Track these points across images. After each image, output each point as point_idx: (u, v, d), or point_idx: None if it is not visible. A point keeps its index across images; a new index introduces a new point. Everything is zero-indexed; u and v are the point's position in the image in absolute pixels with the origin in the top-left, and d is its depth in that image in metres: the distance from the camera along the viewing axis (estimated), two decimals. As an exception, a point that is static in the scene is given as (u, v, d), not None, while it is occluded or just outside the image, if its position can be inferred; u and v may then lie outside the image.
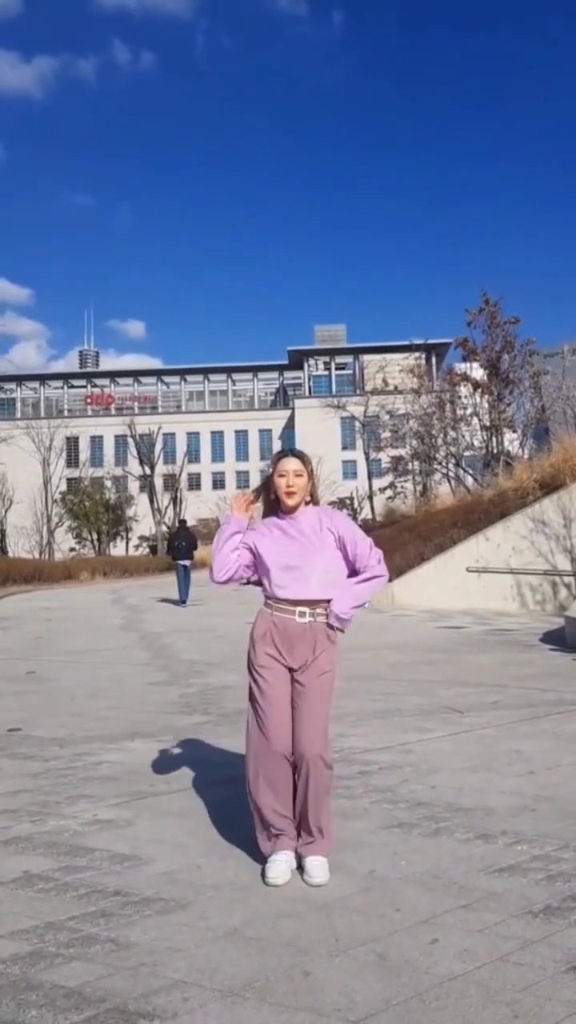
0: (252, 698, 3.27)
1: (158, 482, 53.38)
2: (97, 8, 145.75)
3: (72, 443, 72.05)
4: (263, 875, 3.18)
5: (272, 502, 3.36)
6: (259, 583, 3.37)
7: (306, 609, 3.25)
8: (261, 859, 3.35)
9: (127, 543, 55.60)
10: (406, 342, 38.54)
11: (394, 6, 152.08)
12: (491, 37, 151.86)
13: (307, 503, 3.35)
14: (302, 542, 3.27)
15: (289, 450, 3.42)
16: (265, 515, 3.41)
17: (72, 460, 68.63)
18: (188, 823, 3.87)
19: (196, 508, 61.67)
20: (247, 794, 3.26)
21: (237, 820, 3.88)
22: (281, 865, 3.18)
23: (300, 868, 3.22)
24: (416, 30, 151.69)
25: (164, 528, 47.12)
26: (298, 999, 2.33)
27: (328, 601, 3.26)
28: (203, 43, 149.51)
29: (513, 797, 4.15)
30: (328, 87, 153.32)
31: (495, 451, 24.67)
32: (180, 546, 18.82)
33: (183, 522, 21.49)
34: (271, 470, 3.36)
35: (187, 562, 18.44)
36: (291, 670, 3.25)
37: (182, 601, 17.97)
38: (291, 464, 3.29)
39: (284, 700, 3.22)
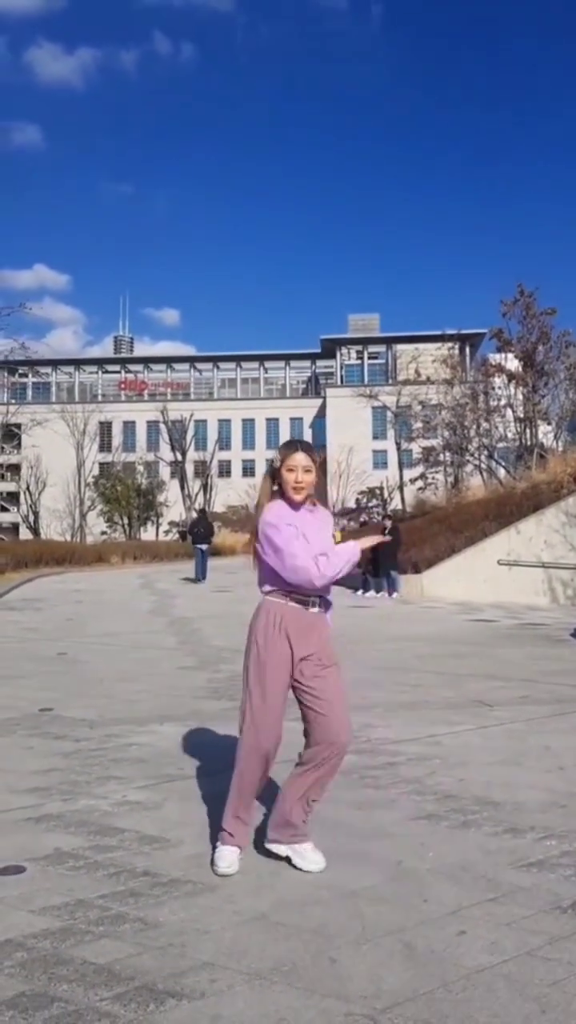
0: (252, 693, 3.22)
1: (189, 468, 53.68)
2: (139, 1, 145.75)
3: (105, 428, 72.67)
4: (214, 863, 3.18)
5: (275, 492, 3.27)
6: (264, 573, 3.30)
7: (316, 599, 3.25)
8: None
9: (157, 528, 55.94)
10: (439, 332, 38.15)
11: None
12: (532, 30, 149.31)
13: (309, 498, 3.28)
14: (313, 536, 3.22)
15: (298, 443, 3.28)
16: (266, 500, 3.30)
17: (105, 445, 69.18)
18: (216, 807, 3.89)
19: (226, 495, 61.91)
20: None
21: (264, 806, 3.90)
22: (233, 856, 3.19)
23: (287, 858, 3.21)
24: (456, 23, 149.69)
25: (194, 514, 47.37)
26: (324, 985, 2.34)
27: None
28: (242, 35, 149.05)
29: (542, 792, 4.13)
30: (366, 78, 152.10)
31: (529, 443, 24.40)
32: (199, 532, 21.31)
33: (202, 511, 25.08)
34: (278, 462, 3.24)
35: (204, 546, 20.82)
36: (292, 665, 3.21)
37: (198, 579, 20.13)
38: (301, 460, 3.18)
39: (283, 699, 3.23)
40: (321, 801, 3.30)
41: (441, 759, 4.72)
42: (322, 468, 3.34)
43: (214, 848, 3.26)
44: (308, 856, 3.19)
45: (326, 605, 3.31)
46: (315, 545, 3.15)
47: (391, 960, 2.48)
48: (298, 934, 2.65)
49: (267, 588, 3.28)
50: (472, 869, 3.17)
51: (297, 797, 3.19)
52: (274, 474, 3.26)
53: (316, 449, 3.36)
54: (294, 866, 3.17)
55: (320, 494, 3.39)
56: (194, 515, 34.60)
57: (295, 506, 3.22)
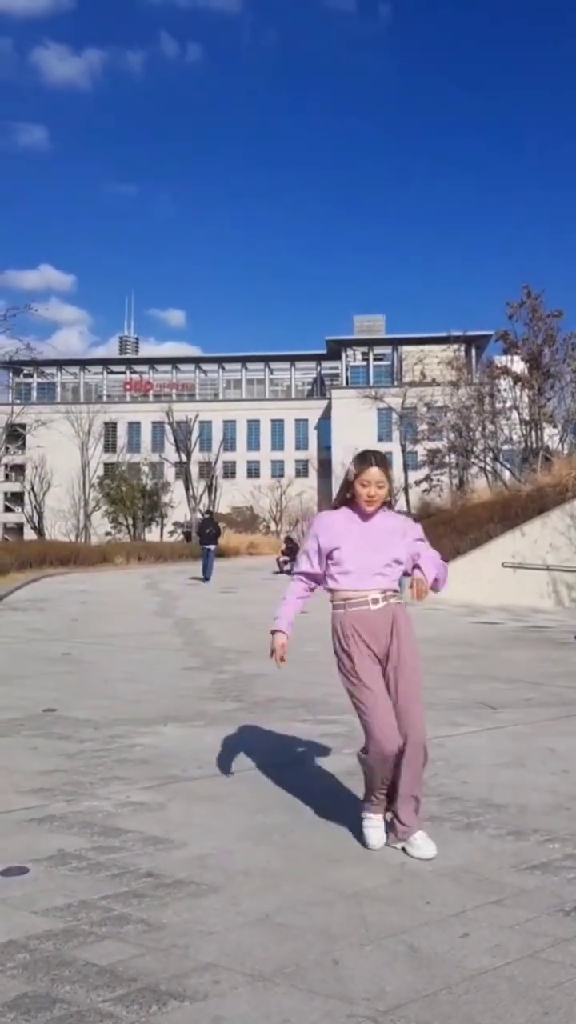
0: (359, 697, 3.34)
1: (194, 469, 53.65)
2: (145, 2, 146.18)
3: (110, 428, 72.70)
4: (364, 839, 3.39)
5: (348, 499, 3.43)
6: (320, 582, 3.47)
7: (379, 595, 3.34)
8: (292, 846, 3.38)
9: (162, 529, 56.02)
10: (445, 334, 38.18)
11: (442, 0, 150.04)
12: (543, 27, 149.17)
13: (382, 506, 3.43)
14: (380, 538, 3.36)
15: (372, 455, 3.41)
16: (336, 506, 3.50)
17: (110, 445, 69.23)
18: (220, 808, 3.90)
19: (231, 496, 62.02)
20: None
21: (269, 807, 3.91)
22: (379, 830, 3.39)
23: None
24: (464, 24, 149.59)
25: (199, 515, 47.41)
26: (328, 986, 2.34)
27: (395, 591, 3.39)
28: (248, 36, 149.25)
29: (546, 795, 4.12)
30: (372, 79, 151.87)
31: (534, 446, 24.37)
32: (208, 533, 22.56)
33: (210, 512, 27.44)
34: (352, 474, 3.38)
35: (212, 546, 22.09)
36: (379, 661, 3.34)
37: (206, 579, 21.13)
38: (375, 475, 3.33)
39: (385, 695, 3.33)
40: (421, 796, 3.41)
41: (445, 761, 4.72)
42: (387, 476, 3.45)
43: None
44: (419, 844, 3.31)
45: (395, 598, 3.39)
46: (376, 550, 3.33)
47: (394, 962, 2.48)
48: (301, 935, 2.65)
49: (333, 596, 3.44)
50: (475, 871, 3.16)
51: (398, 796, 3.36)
52: (348, 485, 3.41)
53: (388, 463, 3.46)
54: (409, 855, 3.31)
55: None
56: (199, 517, 35.32)
57: (365, 516, 3.38)
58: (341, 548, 3.35)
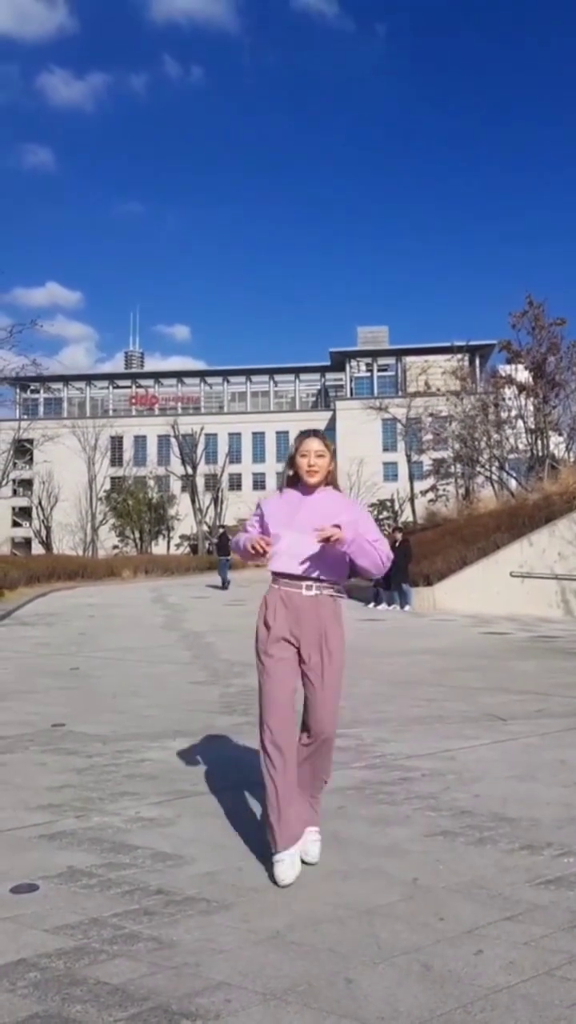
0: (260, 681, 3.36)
1: (200, 482, 53.75)
2: (149, 26, 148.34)
3: (116, 442, 72.93)
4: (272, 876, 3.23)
5: (292, 479, 3.45)
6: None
7: (312, 583, 3.30)
8: (303, 863, 3.35)
9: (169, 542, 56.02)
10: (449, 344, 38.20)
11: (440, 18, 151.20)
12: (537, 44, 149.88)
13: (326, 485, 3.42)
14: (316, 519, 3.26)
15: (312, 431, 3.47)
16: (280, 489, 3.54)
17: (116, 459, 69.45)
18: (229, 824, 3.88)
19: (237, 508, 61.89)
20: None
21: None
22: (286, 863, 3.20)
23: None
24: (462, 41, 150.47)
25: (205, 527, 47.41)
26: (341, 1005, 2.32)
27: (332, 582, 3.34)
28: (249, 57, 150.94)
29: (559, 808, 4.08)
30: (371, 96, 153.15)
31: (540, 454, 24.33)
32: (222, 546, 26.27)
33: (223, 528, 33.66)
34: (293, 449, 3.44)
35: (227, 557, 25.61)
36: (298, 650, 3.30)
37: (225, 585, 24.94)
38: (313, 444, 3.38)
39: (289, 685, 3.29)
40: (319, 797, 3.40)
41: (456, 774, 4.69)
42: (334, 455, 3.49)
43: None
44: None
45: (330, 589, 3.34)
46: (314, 521, 3.24)
47: (408, 980, 2.45)
48: (313, 953, 2.62)
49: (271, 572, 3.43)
50: (488, 887, 3.13)
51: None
52: (291, 461, 3.44)
53: (328, 439, 3.50)
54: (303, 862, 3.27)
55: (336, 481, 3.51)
56: (205, 529, 36.78)
57: (308, 491, 3.38)
58: (276, 529, 3.35)
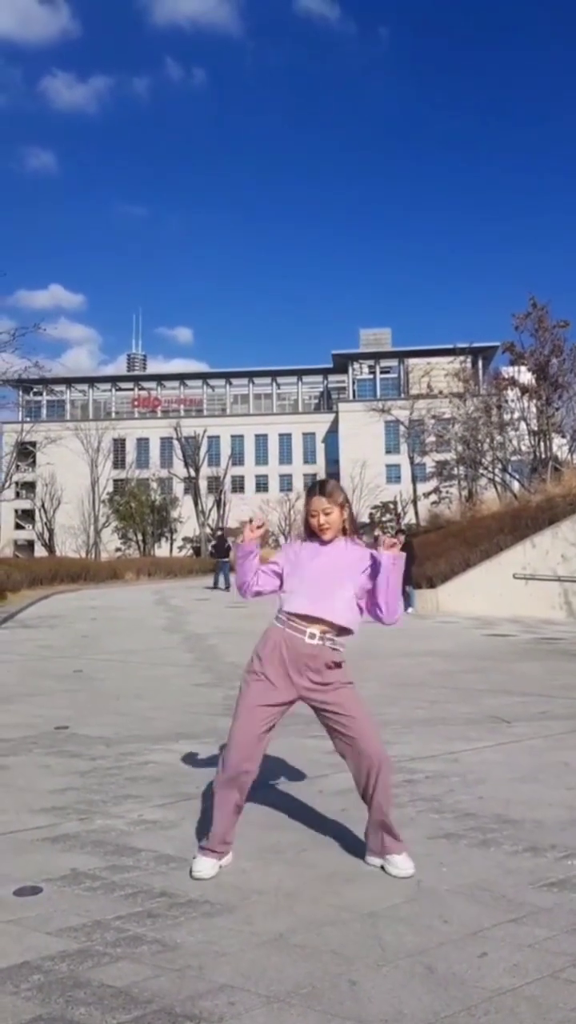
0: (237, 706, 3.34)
1: (202, 484, 53.78)
2: (151, 28, 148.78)
3: (119, 445, 72.92)
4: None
5: (310, 532, 3.45)
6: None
7: (316, 631, 3.29)
8: (306, 865, 3.36)
9: (171, 544, 56.06)
10: (451, 346, 38.20)
11: (442, 21, 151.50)
12: (539, 46, 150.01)
13: (344, 535, 3.41)
14: (330, 570, 3.33)
15: (318, 486, 3.45)
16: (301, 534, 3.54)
17: (119, 462, 69.48)
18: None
19: (239, 510, 61.86)
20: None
21: (282, 825, 3.88)
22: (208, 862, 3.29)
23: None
24: (464, 43, 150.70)
25: (208, 530, 47.43)
26: (344, 1008, 2.31)
27: (337, 633, 3.32)
28: (252, 60, 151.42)
29: (562, 810, 4.08)
30: (374, 97, 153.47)
31: (543, 456, 24.32)
32: (220, 548, 26.52)
33: (222, 530, 32.40)
34: (304, 510, 3.47)
35: (226, 559, 25.16)
36: (289, 699, 3.31)
37: (226, 588, 24.15)
38: (321, 504, 3.37)
39: (261, 719, 3.27)
40: (390, 818, 3.33)
41: (459, 776, 4.68)
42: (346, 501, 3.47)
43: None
44: (398, 863, 3.29)
45: (331, 641, 3.32)
46: (322, 580, 3.30)
47: (411, 982, 2.45)
48: (317, 956, 2.62)
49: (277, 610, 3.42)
50: (492, 889, 3.13)
51: (374, 811, 3.31)
52: (305, 519, 3.46)
53: (339, 487, 3.48)
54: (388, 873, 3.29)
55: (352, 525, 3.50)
56: (208, 532, 36.84)
57: (324, 543, 3.39)
58: (289, 571, 3.38)
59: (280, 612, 3.38)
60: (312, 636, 3.29)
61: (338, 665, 3.33)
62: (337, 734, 3.32)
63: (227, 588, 24.55)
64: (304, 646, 3.28)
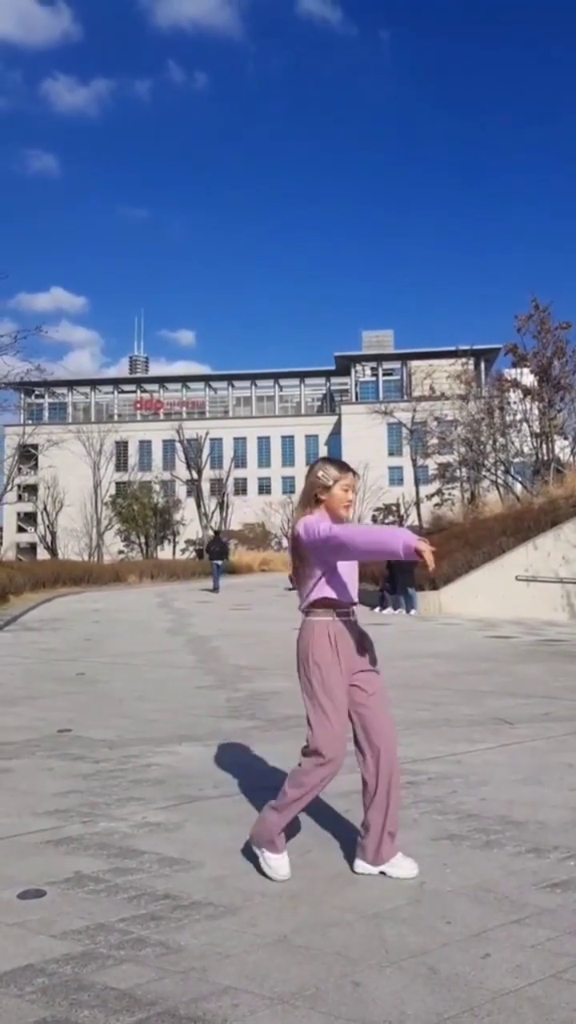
0: (325, 710, 3.20)
1: (205, 486, 53.80)
2: (153, 32, 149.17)
3: (121, 447, 73.01)
4: (274, 871, 3.26)
5: (313, 504, 3.28)
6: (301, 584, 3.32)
7: (353, 611, 3.34)
8: (310, 866, 3.36)
9: (174, 547, 56.04)
10: (454, 348, 38.21)
11: (444, 23, 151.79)
12: (540, 49, 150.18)
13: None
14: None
15: (346, 464, 3.37)
16: (304, 512, 3.31)
17: (121, 464, 69.53)
18: (236, 828, 3.87)
19: (242, 513, 62.02)
20: (286, 804, 3.24)
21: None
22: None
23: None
24: (465, 45, 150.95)
25: (211, 532, 47.47)
26: (348, 1009, 2.32)
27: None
28: (254, 63, 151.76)
29: (565, 811, 4.08)
30: (375, 100, 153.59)
31: (545, 458, 24.30)
32: (214, 550, 27.00)
33: (217, 532, 33.16)
34: (331, 480, 3.26)
35: (219, 562, 25.97)
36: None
37: (215, 589, 24.57)
38: (354, 480, 3.33)
39: (346, 713, 3.26)
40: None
41: (462, 778, 4.68)
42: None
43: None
44: (403, 865, 3.27)
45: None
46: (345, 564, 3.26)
47: (415, 983, 2.45)
48: (321, 957, 2.62)
49: (310, 604, 3.27)
50: (495, 890, 3.13)
51: (378, 812, 3.26)
52: (324, 489, 3.26)
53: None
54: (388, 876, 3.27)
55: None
56: (211, 535, 36.85)
57: (339, 521, 3.28)
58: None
59: (321, 605, 3.23)
60: (353, 613, 3.32)
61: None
62: (362, 709, 3.25)
63: (215, 590, 24.49)
64: (352, 627, 3.30)
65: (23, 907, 3.03)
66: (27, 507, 71.55)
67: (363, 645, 3.31)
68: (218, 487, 58.19)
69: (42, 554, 56.31)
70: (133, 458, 75.94)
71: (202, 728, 6.11)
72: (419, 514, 37.89)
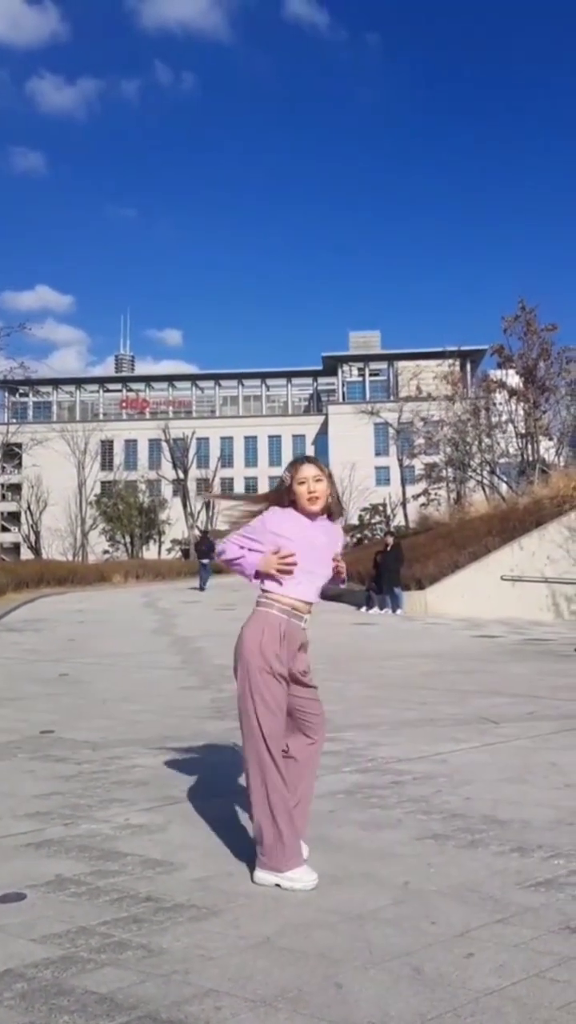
0: (258, 710, 3.15)
1: (191, 486, 53.68)
2: (141, 32, 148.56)
3: (106, 446, 72.73)
4: (299, 883, 3.14)
5: (287, 506, 3.24)
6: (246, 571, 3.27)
7: (308, 616, 3.25)
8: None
9: (160, 546, 55.95)
10: (440, 349, 38.36)
11: (431, 27, 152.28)
12: (529, 54, 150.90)
13: (326, 514, 3.27)
14: (321, 548, 3.22)
15: (304, 457, 3.30)
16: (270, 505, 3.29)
17: (106, 463, 69.29)
18: (220, 830, 3.85)
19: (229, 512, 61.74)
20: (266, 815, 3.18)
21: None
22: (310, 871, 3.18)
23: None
24: (454, 49, 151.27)
25: (197, 532, 47.38)
26: (331, 1011, 2.30)
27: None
28: (242, 65, 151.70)
29: (549, 810, 4.08)
30: (363, 102, 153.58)
31: (531, 459, 24.42)
32: (202, 549, 27.26)
33: (205, 531, 33.66)
34: (288, 479, 3.20)
35: (207, 560, 26.05)
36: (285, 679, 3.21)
37: (202, 588, 25.07)
38: (310, 470, 3.18)
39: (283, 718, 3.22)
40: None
41: (447, 777, 4.68)
42: (331, 479, 3.29)
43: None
44: (302, 876, 3.16)
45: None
46: (317, 559, 3.18)
47: (398, 984, 2.44)
48: (304, 959, 2.60)
49: (269, 593, 3.23)
50: (479, 889, 3.12)
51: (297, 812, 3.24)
52: (287, 490, 3.21)
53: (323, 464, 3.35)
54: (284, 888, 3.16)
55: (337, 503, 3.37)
56: (197, 534, 37.03)
57: (312, 517, 3.21)
58: (291, 546, 3.13)
59: (272, 595, 3.18)
60: (306, 622, 3.23)
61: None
62: (303, 724, 3.26)
63: (202, 588, 25.00)
64: (301, 633, 3.22)
65: (3, 911, 2.99)
66: (11, 506, 71.21)
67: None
68: (204, 486, 58.09)
69: (25, 554, 56.08)
70: (119, 457, 75.74)
71: (186, 729, 6.08)
72: (405, 514, 37.99)
